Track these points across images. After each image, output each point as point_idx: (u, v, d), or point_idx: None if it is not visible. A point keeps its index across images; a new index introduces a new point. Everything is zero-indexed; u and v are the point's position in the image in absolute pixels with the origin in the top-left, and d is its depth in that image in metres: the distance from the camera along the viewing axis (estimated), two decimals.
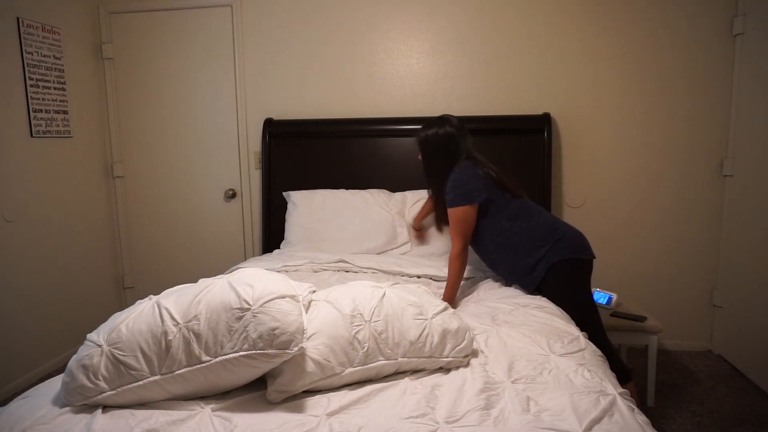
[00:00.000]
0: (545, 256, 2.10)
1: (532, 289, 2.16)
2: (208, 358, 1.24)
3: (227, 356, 1.23)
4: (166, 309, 1.31)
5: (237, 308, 1.27)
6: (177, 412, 1.21)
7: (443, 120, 2.29)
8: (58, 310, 3.13)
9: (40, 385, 1.40)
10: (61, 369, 3.05)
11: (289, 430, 1.15)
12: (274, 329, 1.24)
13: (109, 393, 1.23)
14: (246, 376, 1.27)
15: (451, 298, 2.15)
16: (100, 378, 1.23)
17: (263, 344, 1.22)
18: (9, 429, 1.18)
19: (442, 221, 2.53)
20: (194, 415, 1.21)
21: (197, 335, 1.25)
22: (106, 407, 1.24)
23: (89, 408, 1.24)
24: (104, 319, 1.35)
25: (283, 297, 1.31)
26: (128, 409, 1.23)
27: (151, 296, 1.42)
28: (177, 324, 1.27)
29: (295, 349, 1.25)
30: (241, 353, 1.22)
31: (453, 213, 2.16)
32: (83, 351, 1.28)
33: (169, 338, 1.25)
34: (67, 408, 1.24)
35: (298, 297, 1.38)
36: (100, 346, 1.27)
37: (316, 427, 1.16)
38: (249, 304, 1.27)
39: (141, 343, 1.26)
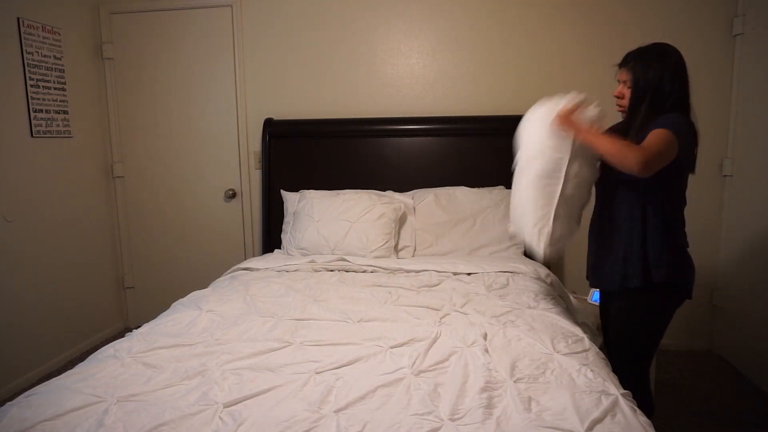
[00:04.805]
0: (677, 269, 1.73)
1: (632, 282, 1.74)
2: None
3: None
4: None
5: None
6: (188, 406, 1.24)
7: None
8: (58, 310, 3.12)
9: (43, 384, 1.41)
10: (61, 369, 3.04)
11: (296, 425, 1.16)
12: None
13: None
14: None
15: (594, 138, 1.76)
16: None
17: None
18: (10, 429, 1.18)
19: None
20: (204, 409, 1.23)
21: None
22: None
23: (98, 403, 1.26)
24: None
25: None
26: (141, 403, 1.26)
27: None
28: None
29: None
30: None
31: (659, 133, 1.63)
32: None
33: None
34: (75, 405, 1.26)
35: None
36: None
37: (323, 422, 1.17)
38: None
39: None
